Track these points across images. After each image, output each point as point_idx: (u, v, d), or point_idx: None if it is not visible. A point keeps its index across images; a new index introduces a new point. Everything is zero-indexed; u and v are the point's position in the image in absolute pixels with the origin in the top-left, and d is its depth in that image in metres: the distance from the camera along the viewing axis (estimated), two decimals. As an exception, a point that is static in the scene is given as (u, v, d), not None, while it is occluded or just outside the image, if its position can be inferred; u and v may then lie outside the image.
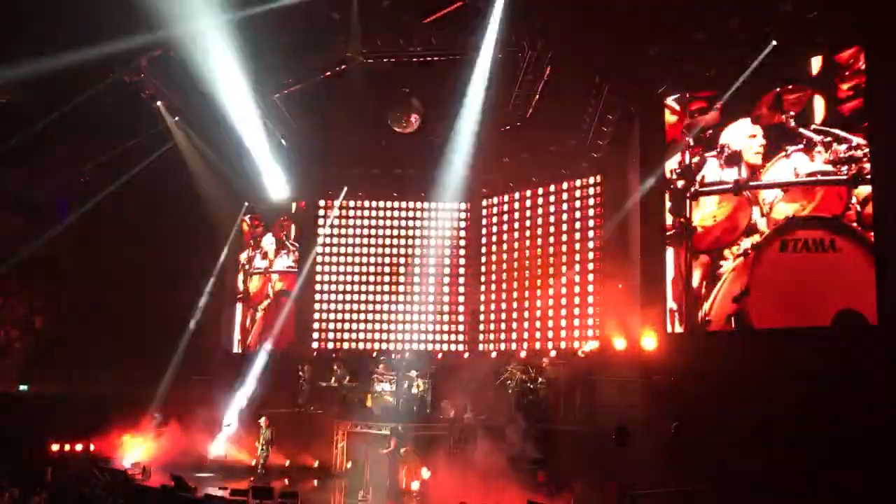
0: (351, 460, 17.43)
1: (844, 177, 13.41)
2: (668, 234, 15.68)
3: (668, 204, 15.75)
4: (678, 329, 15.33)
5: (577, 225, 18.32)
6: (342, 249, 21.13)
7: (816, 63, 13.95)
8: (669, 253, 15.61)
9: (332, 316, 20.84)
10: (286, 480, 16.87)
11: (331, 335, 20.76)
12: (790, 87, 14.19)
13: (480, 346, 20.13)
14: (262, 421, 17.44)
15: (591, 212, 18.15)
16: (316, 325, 20.80)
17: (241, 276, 22.53)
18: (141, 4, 14.28)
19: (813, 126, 13.86)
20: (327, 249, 21.16)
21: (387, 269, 20.91)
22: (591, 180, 18.22)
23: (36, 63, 14.92)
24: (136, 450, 18.13)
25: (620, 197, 17.25)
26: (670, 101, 15.85)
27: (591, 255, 17.94)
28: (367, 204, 21.24)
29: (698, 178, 15.36)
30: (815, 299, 13.47)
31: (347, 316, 20.79)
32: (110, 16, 14.77)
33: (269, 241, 22.18)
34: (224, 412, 19.04)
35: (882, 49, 13.17)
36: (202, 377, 20.25)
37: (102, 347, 19.40)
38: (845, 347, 12.69)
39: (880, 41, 13.20)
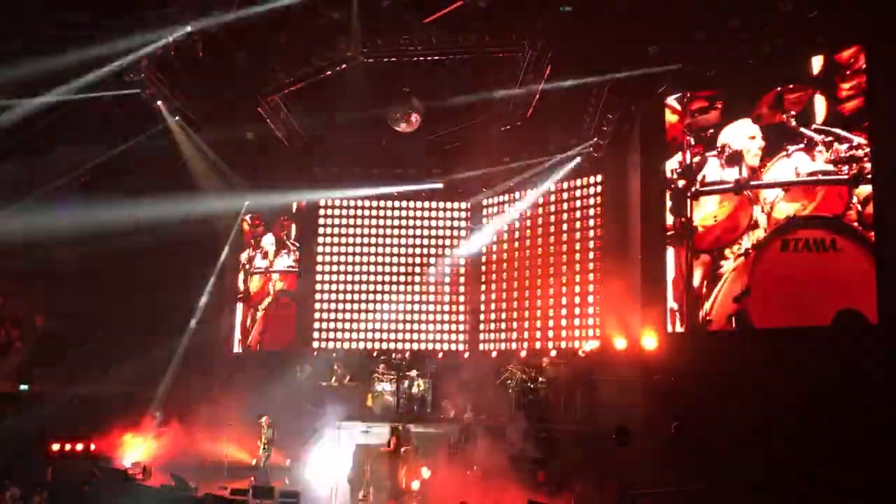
0: (351, 460, 17.44)
1: (845, 176, 13.42)
2: (668, 233, 15.68)
3: (668, 203, 15.75)
4: (679, 329, 15.33)
5: (578, 224, 18.30)
6: (342, 249, 21.11)
7: (817, 62, 13.96)
8: (670, 252, 15.61)
9: (332, 315, 20.82)
10: (286, 480, 16.86)
11: (331, 335, 20.75)
12: (791, 86, 14.20)
13: (481, 346, 20.12)
14: (264, 420, 17.44)
15: (591, 211, 18.13)
16: (316, 325, 20.78)
17: (241, 276, 22.53)
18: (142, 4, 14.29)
19: (814, 126, 13.87)
20: (328, 249, 21.15)
21: (387, 269, 20.89)
22: (592, 180, 18.20)
23: (36, 63, 14.94)
24: (136, 449, 18.14)
25: (621, 197, 17.27)
26: (671, 100, 15.85)
27: (591, 255, 17.92)
28: (367, 203, 21.22)
29: (699, 177, 15.36)
30: (816, 299, 13.48)
31: (348, 315, 20.77)
32: (110, 15, 14.82)
33: (269, 241, 22.18)
34: (224, 412, 19.02)
35: (883, 48, 13.19)
36: (202, 377, 20.24)
37: (103, 347, 19.40)
38: (846, 347, 12.70)
39: (881, 40, 13.21)
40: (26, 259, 19.14)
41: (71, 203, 19.36)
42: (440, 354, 20.11)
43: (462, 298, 20.62)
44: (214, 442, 18.39)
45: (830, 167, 13.62)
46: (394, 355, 19.49)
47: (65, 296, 20.72)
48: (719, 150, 15.06)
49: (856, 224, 13.25)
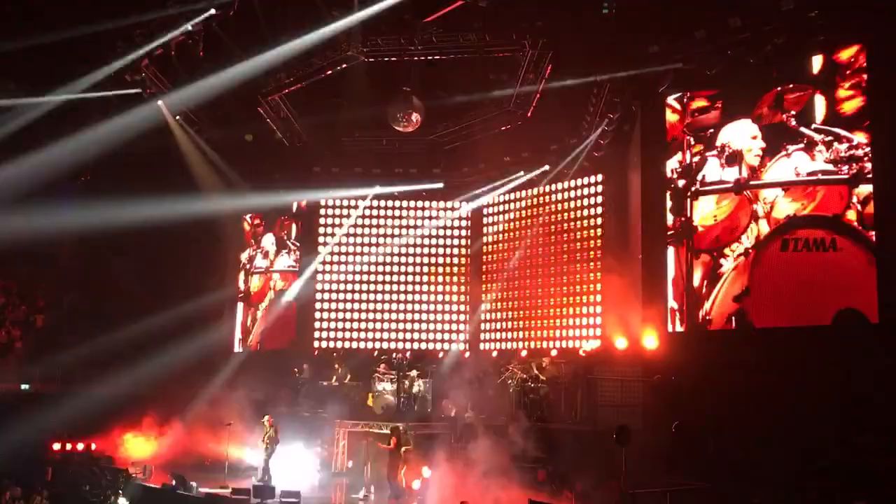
0: (352, 459, 17.47)
1: (845, 176, 13.42)
2: (668, 233, 15.68)
3: (668, 203, 15.75)
4: (679, 328, 15.35)
5: (578, 224, 18.30)
6: (343, 248, 21.11)
7: (817, 62, 13.96)
8: (670, 252, 15.62)
9: (333, 315, 20.83)
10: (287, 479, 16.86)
11: (332, 334, 20.76)
12: (791, 85, 14.20)
13: (481, 346, 20.12)
14: (266, 420, 17.43)
15: (591, 211, 18.13)
16: (317, 325, 20.79)
17: (241, 276, 22.54)
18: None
19: (814, 125, 13.87)
20: (328, 248, 21.15)
21: (388, 269, 20.90)
22: (592, 179, 18.21)
23: (37, 62, 14.96)
24: (137, 448, 18.14)
25: (621, 196, 17.27)
26: (671, 100, 15.86)
27: (591, 255, 17.92)
28: (367, 203, 21.22)
29: (699, 177, 15.36)
30: (816, 298, 13.49)
31: (348, 315, 20.78)
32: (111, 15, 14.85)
33: (269, 241, 22.19)
34: (225, 411, 19.02)
35: (883, 48, 13.19)
36: (204, 376, 20.23)
37: (103, 347, 19.41)
38: (846, 346, 12.69)
39: (881, 40, 13.21)
40: (27, 259, 19.19)
41: (72, 203, 19.41)
42: (441, 354, 20.12)
43: (462, 298, 20.63)
44: (215, 441, 18.40)
45: (830, 167, 13.63)
46: (394, 355, 19.49)
47: (66, 295, 20.77)
48: (719, 149, 15.06)
49: (856, 224, 13.25)
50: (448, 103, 18.88)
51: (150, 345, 19.43)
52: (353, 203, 21.22)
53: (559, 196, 18.88)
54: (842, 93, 13.62)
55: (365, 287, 20.85)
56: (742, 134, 14.78)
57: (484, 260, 20.56)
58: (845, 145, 13.51)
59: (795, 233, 13.84)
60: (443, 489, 14.47)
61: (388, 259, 20.91)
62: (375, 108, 18.50)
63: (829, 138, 13.66)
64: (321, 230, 21.21)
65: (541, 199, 19.30)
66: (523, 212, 19.71)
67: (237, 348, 22.11)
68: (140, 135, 17.83)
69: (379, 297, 20.76)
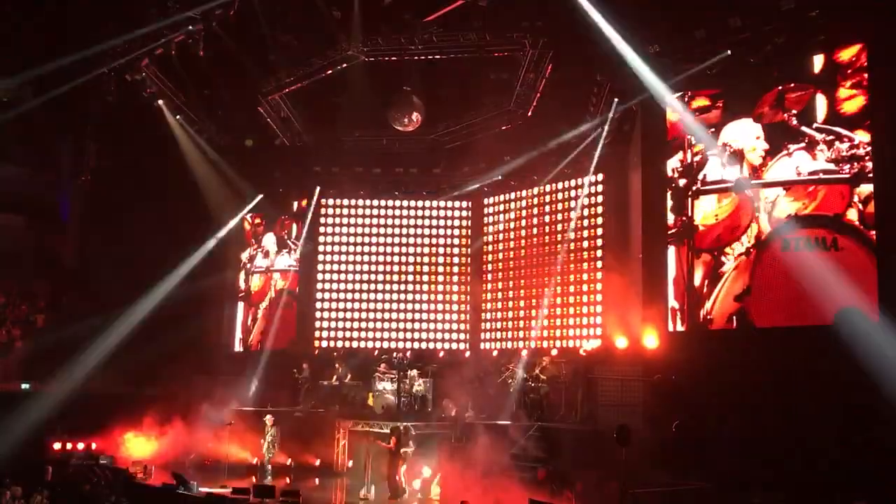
0: (352, 459, 17.47)
1: (846, 175, 13.40)
2: (669, 232, 15.66)
3: (669, 202, 15.73)
4: (680, 328, 15.33)
5: (579, 223, 18.29)
6: (344, 248, 21.11)
7: (818, 61, 13.93)
8: (671, 252, 15.60)
9: (333, 314, 20.82)
10: (288, 479, 16.88)
11: (332, 333, 20.75)
12: (792, 85, 14.17)
13: (482, 345, 20.12)
14: (268, 419, 17.44)
15: (592, 210, 18.12)
16: (317, 324, 20.79)
17: (242, 275, 22.54)
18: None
19: (815, 124, 13.85)
20: (329, 248, 21.15)
21: (388, 268, 20.89)
22: (593, 178, 18.19)
23: (38, 62, 14.97)
24: (137, 448, 18.14)
25: (622, 195, 17.26)
26: (672, 99, 15.82)
27: (592, 254, 17.92)
28: (368, 202, 21.22)
29: (700, 176, 15.35)
30: (817, 298, 13.43)
31: (349, 314, 20.78)
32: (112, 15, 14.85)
33: (270, 241, 22.19)
34: (226, 411, 19.02)
35: (884, 47, 13.16)
36: (204, 376, 20.24)
37: (104, 346, 19.41)
38: (847, 346, 12.66)
39: (882, 39, 13.18)
40: (28, 259, 19.20)
41: (72, 202, 19.44)
42: (441, 353, 20.12)
43: (463, 297, 20.63)
44: (216, 441, 18.41)
45: (831, 166, 13.60)
46: (395, 354, 19.50)
47: (66, 295, 20.77)
48: (720, 148, 15.04)
49: (857, 223, 13.23)
50: (448, 103, 18.89)
51: (151, 344, 19.46)
52: (353, 202, 21.22)
53: (559, 196, 18.89)
54: (843, 92, 13.59)
55: (365, 286, 20.85)
56: (745, 134, 14.76)
57: (484, 259, 20.55)
58: (846, 144, 13.49)
59: (796, 232, 13.82)
60: (443, 489, 14.47)
61: (389, 258, 20.91)
62: (376, 107, 18.52)
63: (831, 137, 13.64)
64: (322, 229, 21.21)
65: (541, 198, 19.30)
66: (524, 211, 19.71)
67: (237, 347, 22.12)
68: (140, 134, 17.88)
69: (379, 296, 20.76)
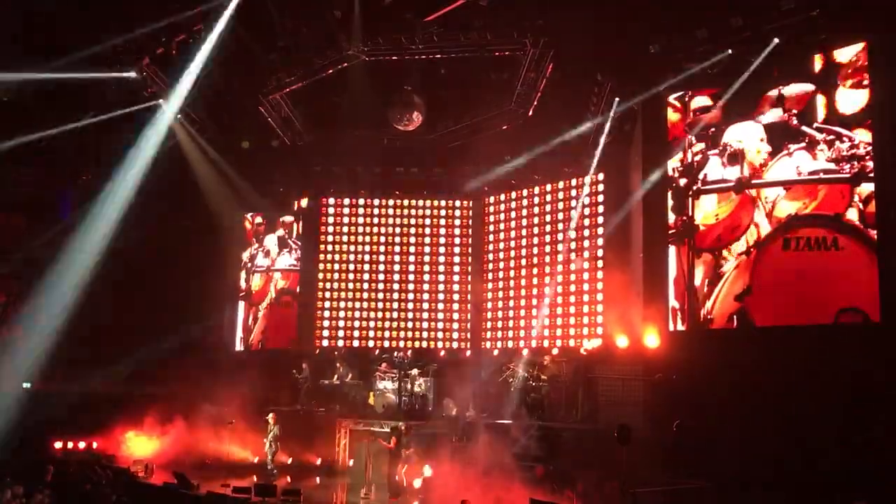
0: (353, 458, 17.48)
1: (847, 175, 13.39)
2: (670, 232, 15.67)
3: (670, 202, 15.74)
4: (680, 327, 15.33)
5: (579, 223, 18.30)
6: (344, 247, 21.12)
7: (819, 61, 13.93)
8: (672, 251, 15.60)
9: (334, 314, 20.84)
10: (288, 478, 16.90)
11: (333, 333, 20.77)
12: (792, 84, 14.16)
13: (482, 344, 20.14)
14: (270, 418, 17.46)
15: (593, 210, 18.13)
16: (318, 323, 20.80)
17: (243, 275, 22.55)
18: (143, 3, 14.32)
19: (815, 124, 13.84)
20: (329, 247, 21.17)
21: (389, 267, 20.91)
22: (594, 178, 18.20)
23: (38, 62, 14.96)
24: (138, 447, 18.16)
25: (622, 195, 17.27)
26: (672, 98, 15.84)
27: (592, 254, 17.93)
28: (369, 202, 21.23)
29: (700, 176, 15.35)
30: (818, 297, 13.46)
31: (349, 314, 20.79)
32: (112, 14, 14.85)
33: (272, 240, 22.20)
34: (227, 410, 19.05)
35: (885, 46, 13.15)
36: (205, 375, 20.26)
37: (104, 345, 19.42)
38: (847, 345, 12.68)
39: (883, 38, 13.18)
40: (28, 258, 19.18)
41: (72, 202, 19.40)
42: (442, 353, 20.14)
43: (464, 297, 20.64)
44: (217, 440, 18.45)
45: (832, 165, 13.60)
46: (395, 353, 19.51)
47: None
48: (721, 148, 15.04)
49: (857, 222, 13.23)
50: (449, 102, 18.88)
51: (152, 343, 19.47)
52: (354, 202, 21.23)
53: (560, 195, 18.91)
54: (843, 91, 13.58)
55: (366, 286, 20.87)
56: (744, 132, 14.76)
57: (485, 259, 20.57)
58: (847, 144, 13.48)
59: (797, 231, 13.81)
60: (444, 488, 14.49)
61: (390, 257, 20.92)
62: (376, 107, 18.51)
63: (831, 137, 13.64)
64: (322, 229, 21.22)
65: (542, 197, 19.32)
66: (524, 210, 19.72)
67: (238, 347, 22.14)
68: (140, 134, 17.86)
69: (380, 295, 20.77)
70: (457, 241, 20.89)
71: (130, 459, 17.18)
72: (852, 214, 13.28)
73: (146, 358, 19.20)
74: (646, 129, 16.51)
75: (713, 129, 15.22)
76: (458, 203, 20.90)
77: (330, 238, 21.16)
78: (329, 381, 19.43)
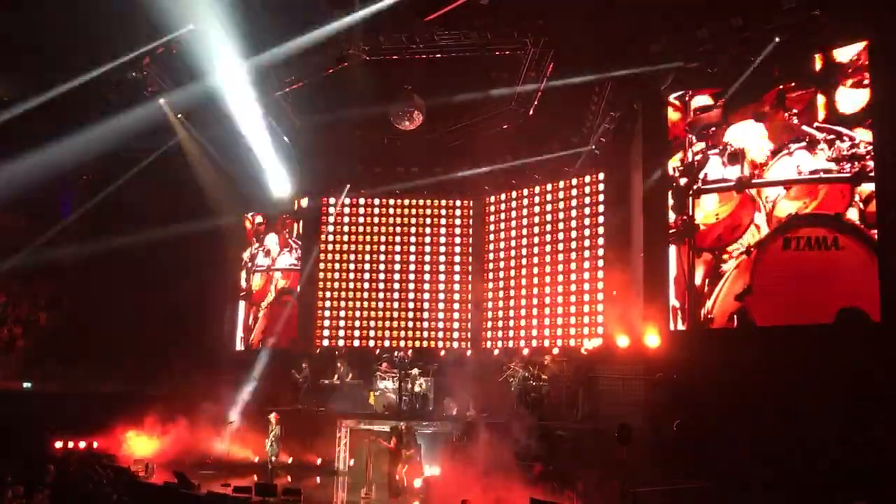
0: (353, 458, 17.49)
1: (847, 174, 13.39)
2: (670, 231, 15.67)
3: (670, 202, 15.73)
4: (681, 327, 15.34)
5: (580, 223, 18.30)
6: (345, 247, 21.12)
7: (819, 60, 13.92)
8: (672, 251, 15.60)
9: (334, 313, 20.84)
10: (289, 477, 16.90)
11: (334, 332, 20.77)
12: (793, 84, 14.17)
13: (483, 344, 20.13)
14: (272, 417, 17.46)
15: (593, 209, 18.13)
16: (319, 323, 20.80)
17: (243, 274, 22.56)
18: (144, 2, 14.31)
19: (816, 123, 13.84)
20: (330, 247, 21.17)
21: (389, 267, 20.90)
22: (594, 178, 18.19)
23: (39, 60, 14.96)
24: (139, 447, 18.17)
25: (623, 194, 17.26)
26: (673, 98, 15.83)
27: (593, 253, 17.92)
28: (369, 201, 21.23)
29: (701, 175, 15.34)
30: (818, 297, 13.46)
31: (350, 313, 20.79)
32: (113, 14, 14.83)
33: (271, 239, 22.20)
34: (227, 409, 19.07)
35: (886, 46, 13.15)
36: (206, 375, 20.27)
37: (106, 345, 19.43)
38: (848, 345, 12.67)
39: (884, 38, 13.17)
40: (29, 258, 19.19)
41: (73, 201, 19.41)
42: (442, 352, 20.13)
43: (464, 296, 20.63)
44: (218, 439, 18.47)
45: (832, 165, 13.60)
46: (396, 353, 19.51)
47: (68, 293, 20.79)
48: (721, 147, 15.04)
49: (858, 222, 13.22)
50: (449, 102, 18.86)
51: (153, 343, 19.49)
52: (354, 201, 21.23)
53: (561, 194, 18.89)
54: (844, 91, 13.58)
55: (367, 285, 20.87)
56: (744, 132, 14.75)
57: (485, 258, 20.56)
58: (847, 143, 13.48)
59: (797, 231, 13.81)
60: (444, 488, 14.49)
61: (390, 257, 20.92)
62: (377, 106, 18.50)
63: (832, 136, 13.64)
64: (323, 228, 21.22)
65: (542, 197, 19.31)
66: (525, 210, 19.71)
67: (239, 346, 22.15)
68: (141, 133, 17.85)
69: (381, 295, 20.78)
70: (457, 240, 20.87)
71: (131, 459, 17.18)
72: (853, 214, 13.27)
73: (147, 357, 19.22)
74: (646, 129, 16.49)
75: (714, 129, 15.22)
76: (458, 203, 20.88)
77: (330, 237, 21.16)
78: (329, 381, 19.43)
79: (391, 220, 21.09)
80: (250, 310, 22.28)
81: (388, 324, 20.59)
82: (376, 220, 21.14)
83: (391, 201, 21.11)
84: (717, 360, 14.15)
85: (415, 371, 18.40)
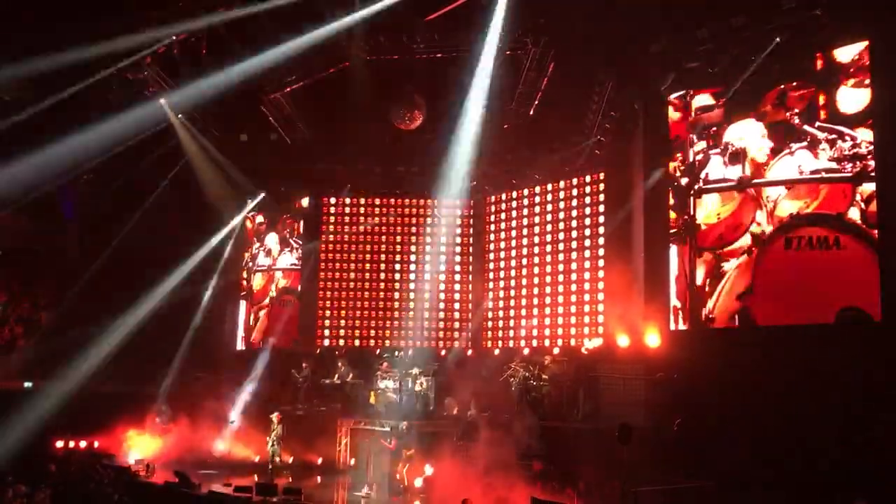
0: (354, 457, 17.49)
1: (849, 174, 13.38)
2: (671, 231, 15.66)
3: (671, 201, 15.73)
4: (682, 326, 15.34)
5: (581, 222, 18.30)
6: (346, 246, 21.13)
7: (820, 60, 13.90)
8: (673, 250, 15.60)
9: (335, 313, 20.85)
10: (290, 477, 16.91)
11: (334, 332, 20.77)
12: (794, 84, 14.15)
13: (484, 344, 20.13)
14: (275, 417, 17.47)
15: (594, 209, 18.12)
16: (319, 323, 20.81)
17: (244, 274, 22.57)
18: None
19: (817, 123, 13.82)
20: (331, 246, 21.17)
21: (390, 266, 20.91)
22: (595, 177, 18.18)
23: (40, 60, 14.95)
24: (140, 446, 18.18)
25: (624, 194, 17.26)
26: (674, 97, 15.83)
27: (594, 253, 17.92)
28: (370, 201, 21.22)
29: (702, 175, 15.34)
30: (819, 297, 13.46)
31: (351, 313, 20.80)
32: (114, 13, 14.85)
33: (273, 240, 22.21)
34: (228, 409, 19.07)
35: (887, 45, 13.13)
36: (206, 374, 20.29)
37: (106, 344, 19.40)
38: (848, 345, 12.67)
39: (885, 38, 13.15)
40: (31, 256, 19.20)
41: (75, 200, 19.42)
42: (443, 352, 20.14)
43: (465, 296, 20.63)
44: (219, 439, 18.47)
45: (834, 165, 13.58)
46: (397, 352, 19.52)
47: (69, 293, 20.77)
48: (722, 147, 15.03)
49: (859, 222, 13.21)
50: (450, 101, 18.83)
51: (154, 342, 19.47)
52: (355, 201, 21.22)
53: (561, 194, 18.89)
54: (845, 90, 13.56)
55: (367, 285, 20.88)
56: (745, 132, 14.75)
57: (486, 258, 20.56)
58: (848, 143, 13.46)
59: (799, 231, 13.80)
60: (445, 487, 14.50)
61: (391, 256, 20.93)
62: (378, 106, 18.50)
63: (833, 136, 13.62)
64: (324, 228, 21.22)
65: (543, 196, 19.31)
66: (525, 210, 19.71)
67: (240, 346, 22.16)
68: (142, 133, 17.86)
69: (381, 294, 20.78)
70: (457, 240, 20.87)
71: (132, 458, 17.19)
72: (854, 214, 13.26)
73: (147, 357, 19.21)
74: (647, 128, 16.49)
75: (715, 128, 15.22)
76: (458, 202, 20.87)
77: (331, 237, 21.16)
78: (330, 381, 19.43)
79: (391, 219, 21.08)
80: (251, 309, 22.29)
81: (388, 323, 20.59)
82: (377, 219, 21.14)
83: (391, 200, 21.10)
84: (718, 359, 14.15)
85: (415, 371, 18.40)
